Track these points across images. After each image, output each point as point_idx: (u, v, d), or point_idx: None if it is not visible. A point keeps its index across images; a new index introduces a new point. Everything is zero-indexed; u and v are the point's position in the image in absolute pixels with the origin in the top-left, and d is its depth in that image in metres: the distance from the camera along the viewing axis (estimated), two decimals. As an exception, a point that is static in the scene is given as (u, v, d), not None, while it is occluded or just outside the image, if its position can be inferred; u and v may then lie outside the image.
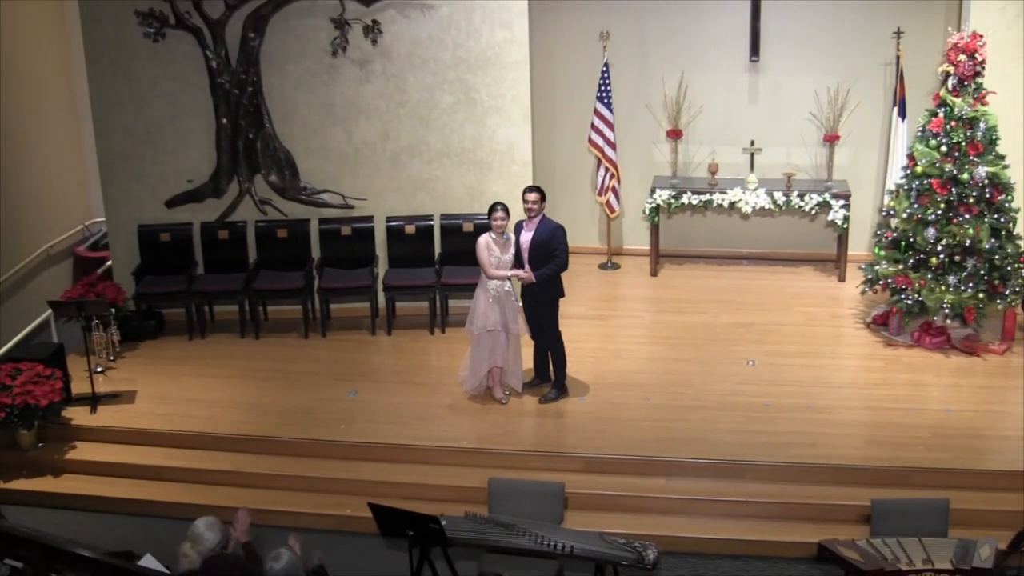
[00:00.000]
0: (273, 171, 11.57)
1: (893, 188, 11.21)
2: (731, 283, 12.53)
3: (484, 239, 9.65)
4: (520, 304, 9.84)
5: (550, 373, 10.06)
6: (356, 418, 9.82)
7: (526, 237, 9.61)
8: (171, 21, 11.12)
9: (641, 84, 12.77)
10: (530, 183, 11.45)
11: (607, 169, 12.55)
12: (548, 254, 9.53)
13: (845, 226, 12.16)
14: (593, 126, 12.48)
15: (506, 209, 9.65)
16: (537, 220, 9.59)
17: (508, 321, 9.76)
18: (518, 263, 9.63)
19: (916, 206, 10.57)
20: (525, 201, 9.62)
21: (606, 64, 12.38)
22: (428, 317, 11.49)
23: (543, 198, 9.62)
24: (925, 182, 10.52)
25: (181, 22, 11.13)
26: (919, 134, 10.79)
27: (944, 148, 10.43)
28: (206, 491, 9.14)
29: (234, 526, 6.89)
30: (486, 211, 11.25)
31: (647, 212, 12.45)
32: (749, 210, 12.27)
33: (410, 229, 11.61)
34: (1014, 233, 10.60)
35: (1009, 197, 10.46)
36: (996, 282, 10.49)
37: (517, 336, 9.89)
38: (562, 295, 9.82)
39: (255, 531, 7.03)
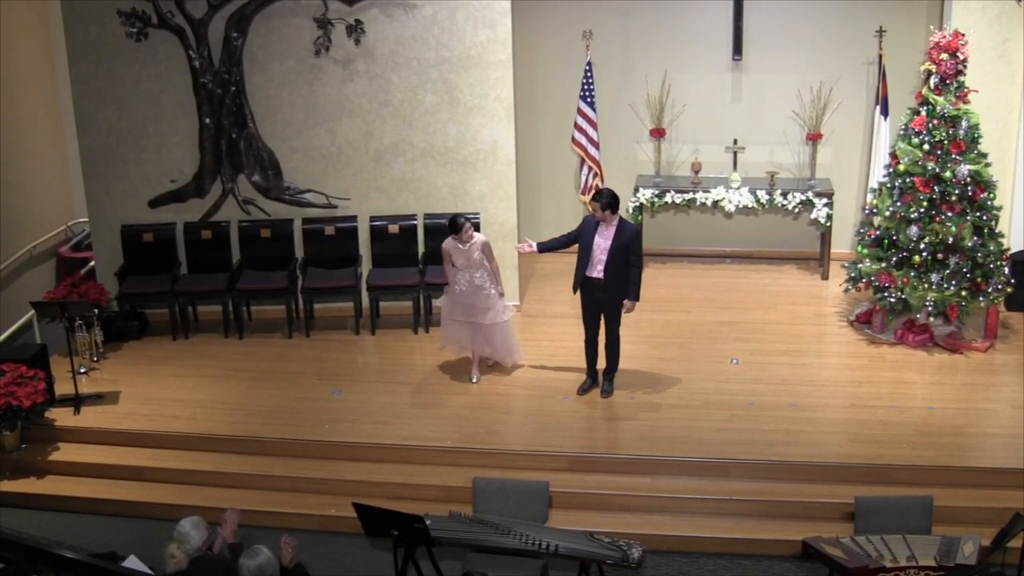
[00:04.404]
0: (256, 171, 11.55)
1: (876, 186, 11.26)
2: (714, 281, 12.55)
3: (448, 245, 9.91)
4: (491, 292, 9.94)
5: (597, 371, 10.13)
6: (340, 418, 9.80)
7: (603, 239, 9.50)
8: (154, 21, 11.08)
9: (624, 83, 12.78)
10: (513, 182, 11.51)
11: (590, 168, 12.55)
12: (626, 257, 9.50)
13: (828, 224, 12.20)
14: (576, 125, 12.48)
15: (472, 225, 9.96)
16: (614, 223, 9.49)
17: (477, 314, 9.96)
18: (583, 261, 9.61)
19: (899, 204, 10.60)
20: (593, 209, 9.58)
21: (589, 63, 12.39)
22: (412, 316, 11.48)
23: (605, 206, 9.39)
24: (908, 180, 10.55)
25: (164, 22, 11.09)
26: (902, 132, 10.83)
27: (926, 146, 10.46)
28: (190, 492, 9.11)
29: (222, 526, 6.87)
30: (470, 210, 11.32)
31: (630, 211, 12.44)
32: (732, 209, 12.30)
33: (394, 228, 11.60)
34: (996, 231, 10.66)
35: (991, 195, 10.51)
36: (979, 280, 10.54)
37: (494, 324, 10.08)
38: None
39: (241, 531, 7.01)
